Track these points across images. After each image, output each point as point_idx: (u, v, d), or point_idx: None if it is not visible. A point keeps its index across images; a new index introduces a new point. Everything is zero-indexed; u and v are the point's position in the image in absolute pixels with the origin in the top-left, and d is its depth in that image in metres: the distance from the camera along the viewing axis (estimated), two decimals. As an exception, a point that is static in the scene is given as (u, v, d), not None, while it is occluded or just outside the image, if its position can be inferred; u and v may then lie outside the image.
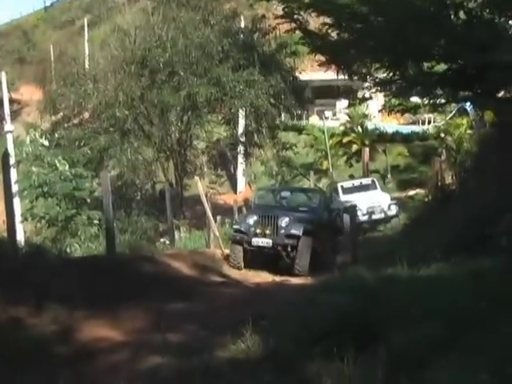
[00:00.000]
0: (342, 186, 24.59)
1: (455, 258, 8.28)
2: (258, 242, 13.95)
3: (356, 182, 25.20)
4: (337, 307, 5.60)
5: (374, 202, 23.01)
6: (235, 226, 14.76)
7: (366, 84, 11.48)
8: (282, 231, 13.97)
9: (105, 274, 8.77)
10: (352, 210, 16.33)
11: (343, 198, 23.38)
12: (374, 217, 22.60)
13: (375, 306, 5.74)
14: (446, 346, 4.62)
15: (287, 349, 5.08)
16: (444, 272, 7.81)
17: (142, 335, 6.37)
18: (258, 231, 14.04)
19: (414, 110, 11.95)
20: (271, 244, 13.87)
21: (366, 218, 21.99)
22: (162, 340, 5.96)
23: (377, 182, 24.84)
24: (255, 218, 14.27)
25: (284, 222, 14.02)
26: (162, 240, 19.92)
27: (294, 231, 13.87)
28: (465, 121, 29.14)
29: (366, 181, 25.21)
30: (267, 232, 14.00)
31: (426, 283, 6.94)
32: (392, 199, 23.70)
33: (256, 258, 14.15)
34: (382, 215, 22.62)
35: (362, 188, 24.09)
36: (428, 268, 8.19)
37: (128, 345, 6.01)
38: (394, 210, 22.68)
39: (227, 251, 14.67)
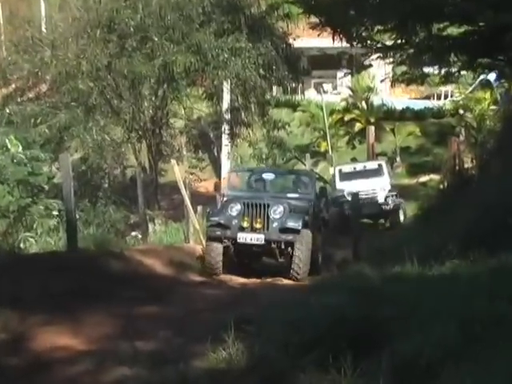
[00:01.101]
0: (340, 171, 23.73)
1: (474, 253, 8.35)
2: (246, 238, 12.96)
3: (359, 166, 24.15)
4: (333, 309, 5.64)
5: (366, 191, 21.77)
6: (213, 218, 13.47)
7: (367, 50, 11.50)
8: (276, 224, 13.03)
9: (65, 272, 8.78)
10: (355, 199, 16.47)
11: (340, 185, 22.71)
12: (366, 211, 20.55)
13: (378, 308, 5.78)
14: (458, 353, 4.67)
15: (275, 357, 5.11)
16: (460, 270, 7.87)
17: (108, 343, 6.39)
18: (245, 224, 13.04)
19: (422, 80, 11.94)
20: (263, 240, 12.95)
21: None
22: (131, 349, 5.96)
23: (385, 167, 23.88)
24: (238, 206, 13.19)
25: (278, 211, 13.12)
26: (133, 234, 19.95)
27: (291, 224, 12.94)
28: (488, 95, 29.22)
29: (372, 165, 24.23)
30: (257, 225, 13.05)
31: (438, 283, 7.00)
32: (392, 189, 22.68)
33: (240, 260, 13.68)
34: (374, 210, 21.38)
35: (366, 174, 23.01)
36: (442, 265, 8.27)
37: (91, 355, 6.01)
38: (390, 204, 21.80)
39: None
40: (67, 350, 6.14)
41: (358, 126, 34.99)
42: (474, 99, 30.20)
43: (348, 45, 11.33)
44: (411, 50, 10.29)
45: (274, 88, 28.60)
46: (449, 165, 18.56)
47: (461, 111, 31.69)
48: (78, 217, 15.46)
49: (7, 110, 23.85)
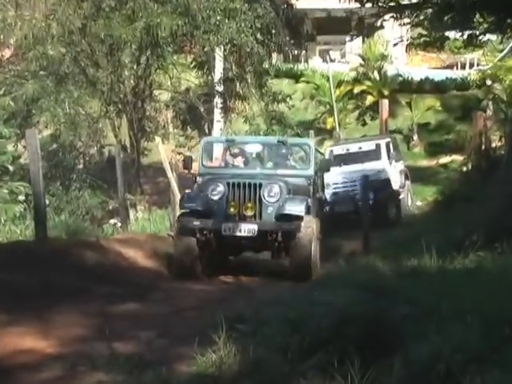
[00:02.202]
0: (331, 153, 21.53)
1: (502, 244, 8.38)
2: (234, 229, 11.55)
3: (353, 147, 21.90)
4: (339, 307, 5.65)
5: (343, 183, 20.23)
6: (188, 205, 12.10)
7: (379, 10, 11.47)
8: (271, 209, 11.79)
9: (32, 265, 8.79)
10: (365, 183, 16.23)
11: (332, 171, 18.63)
12: (339, 208, 18.88)
13: (391, 306, 5.79)
14: (482, 358, 4.67)
15: (273, 361, 5.13)
16: (486, 263, 7.91)
17: (81, 346, 6.38)
18: (232, 211, 11.68)
19: (442, 43, 11.91)
20: (256, 232, 11.54)
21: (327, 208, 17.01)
22: (108, 351, 5.98)
23: (383, 148, 21.31)
24: (221, 188, 11.87)
25: (273, 193, 11.81)
26: (111, 221, 19.92)
27: (292, 208, 11.65)
28: (520, 63, 29.25)
29: (368, 145, 21.85)
30: (247, 212, 11.71)
31: (460, 278, 7.02)
32: (376, 181, 18.89)
33: (225, 255, 12.91)
34: (348, 207, 19.13)
35: (360, 157, 20.89)
36: (465, 258, 8.30)
37: (61, 358, 6.00)
38: (370, 200, 17.76)
39: None
40: (33, 354, 6.12)
41: (369, 99, 34.97)
42: (504, 68, 30.18)
43: (357, 4, 11.28)
44: (430, 10, 10.24)
45: (274, 55, 28.52)
46: (474, 144, 18.64)
47: (488, 82, 31.67)
48: (47, 202, 15.53)
49: (-34, 80, 23.78)
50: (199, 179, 13.21)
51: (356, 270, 8.12)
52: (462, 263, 8.08)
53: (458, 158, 24.47)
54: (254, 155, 14.09)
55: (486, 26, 10.37)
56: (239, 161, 14.11)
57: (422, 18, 10.65)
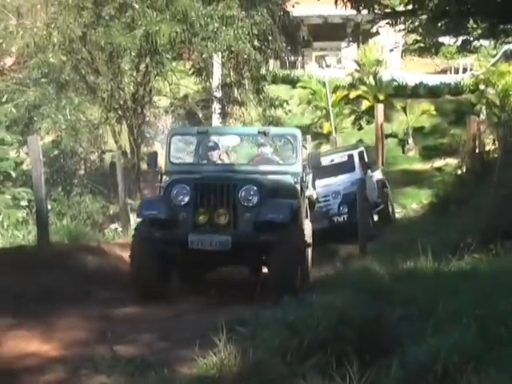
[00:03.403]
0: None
1: (496, 246, 8.40)
2: (203, 242, 9.39)
3: (324, 160, 17.85)
4: (338, 310, 5.66)
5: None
6: (147, 212, 9.96)
7: (373, 16, 11.51)
8: (248, 216, 9.62)
9: (35, 270, 8.78)
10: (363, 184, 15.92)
11: None
12: (315, 226, 14.89)
13: (388, 308, 5.80)
14: (479, 358, 4.68)
15: (272, 363, 5.13)
16: (481, 265, 7.92)
17: (83, 349, 6.38)
18: (201, 219, 9.60)
19: (437, 49, 11.95)
20: (230, 244, 9.38)
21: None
22: (110, 354, 5.95)
23: (356, 159, 19.33)
24: (187, 190, 9.71)
25: (251, 196, 9.65)
26: (112, 226, 19.94)
27: (273, 214, 9.53)
28: (512, 68, 29.29)
29: (341, 157, 19.71)
30: (219, 220, 9.63)
31: (456, 280, 7.03)
32: (349, 194, 17.25)
33: (191, 271, 10.83)
34: (326, 223, 17.29)
35: (334, 170, 18.58)
36: (460, 260, 8.31)
37: (64, 361, 6.02)
38: (344, 215, 17.51)
39: None
40: (37, 357, 6.15)
41: (365, 104, 34.96)
42: (497, 73, 30.13)
43: (353, 11, 11.30)
44: (425, 16, 10.27)
45: (271, 61, 28.48)
46: (468, 147, 18.67)
47: (481, 87, 31.65)
48: (49, 207, 15.51)
49: (-32, 88, 23.77)
50: (166, 179, 11.00)
51: (353, 273, 8.13)
52: (458, 265, 8.09)
53: (453, 161, 24.47)
54: (230, 149, 12.46)
55: (479, 31, 10.42)
56: (214, 156, 11.73)
57: (416, 24, 10.69)
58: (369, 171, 19.21)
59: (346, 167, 18.87)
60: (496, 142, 17.76)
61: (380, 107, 32.27)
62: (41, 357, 6.17)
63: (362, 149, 20.38)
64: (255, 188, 9.63)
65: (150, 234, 9.46)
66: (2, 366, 5.90)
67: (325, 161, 17.95)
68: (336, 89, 35.15)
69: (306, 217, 11.38)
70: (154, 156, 11.74)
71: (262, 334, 5.72)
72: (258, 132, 12.24)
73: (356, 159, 19.25)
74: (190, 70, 26.15)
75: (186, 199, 9.59)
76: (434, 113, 34.30)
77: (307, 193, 11.79)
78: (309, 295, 6.88)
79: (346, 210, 16.92)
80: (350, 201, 16.76)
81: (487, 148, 18.22)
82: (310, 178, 12.16)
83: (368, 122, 34.61)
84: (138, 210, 10.54)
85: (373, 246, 13.98)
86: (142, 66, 23.90)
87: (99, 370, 5.61)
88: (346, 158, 19.39)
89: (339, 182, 18.04)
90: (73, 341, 6.69)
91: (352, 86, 35.66)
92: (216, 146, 11.79)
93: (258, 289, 7.83)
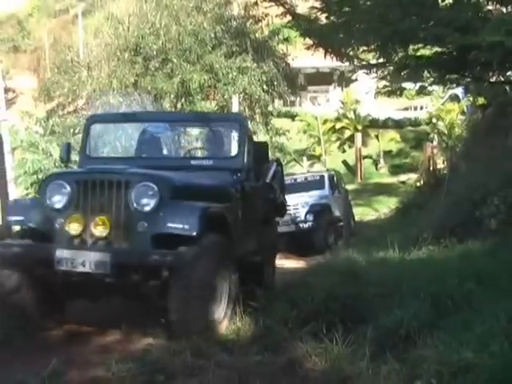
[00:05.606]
0: None
1: (445, 240, 8.36)
2: (74, 261, 5.17)
3: (300, 178, 18.19)
4: (327, 289, 5.65)
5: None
6: (13, 218, 5.89)
7: (353, 66, 11.57)
8: (144, 225, 5.29)
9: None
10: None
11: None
12: (280, 229, 11.76)
13: (365, 287, 5.78)
14: (432, 324, 4.67)
15: (277, 329, 5.13)
16: (434, 254, 7.89)
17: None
18: (73, 228, 5.34)
19: (401, 92, 12.00)
20: (109, 267, 5.12)
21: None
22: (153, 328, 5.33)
23: (327, 180, 17.76)
24: (66, 188, 5.49)
25: (146, 197, 5.35)
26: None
27: (175, 224, 5.22)
28: (456, 106, 29.23)
29: (314, 176, 18.46)
30: (98, 231, 5.31)
31: (415, 265, 7.01)
32: (316, 205, 16.27)
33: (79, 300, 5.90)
34: (293, 227, 15.51)
35: (306, 186, 17.10)
36: (419, 251, 8.28)
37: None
38: (309, 222, 15.77)
39: None
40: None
41: (347, 132, 34.98)
42: (445, 110, 30.09)
43: (338, 62, 11.36)
44: (391, 67, 10.30)
45: (276, 101, 28.48)
46: (424, 166, 18.62)
47: (434, 120, 31.56)
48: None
49: (51, 122, 23.85)
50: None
51: (339, 261, 8.10)
52: (417, 254, 8.05)
53: (413, 176, 24.37)
54: (160, 138, 7.74)
55: (431, 79, 10.44)
56: (143, 148, 7.55)
57: (385, 73, 10.70)
58: (336, 191, 17.90)
59: (316, 185, 17.39)
60: (445, 162, 17.75)
61: (359, 135, 32.35)
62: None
63: (332, 173, 19.20)
64: (154, 186, 5.32)
65: (8, 249, 5.53)
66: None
67: (300, 178, 17.85)
68: (325, 121, 35.19)
69: (251, 227, 6.80)
70: (65, 147, 7.73)
71: (269, 307, 5.72)
72: (193, 118, 8.92)
73: (326, 180, 17.73)
74: (214, 107, 26.20)
75: (64, 201, 5.46)
76: (399, 140, 34.42)
77: (270, 195, 8.10)
78: (305, 277, 6.86)
79: (311, 219, 15.59)
80: (315, 211, 15.85)
81: (439, 166, 18.16)
82: (276, 180, 8.56)
83: (350, 147, 34.73)
84: (5, 213, 7.02)
85: (352, 241, 13.93)
86: (179, 105, 23.93)
87: (146, 335, 5.31)
88: (318, 178, 18.07)
89: (310, 195, 16.58)
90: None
91: (337, 119, 35.65)
92: (145, 135, 7.64)
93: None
